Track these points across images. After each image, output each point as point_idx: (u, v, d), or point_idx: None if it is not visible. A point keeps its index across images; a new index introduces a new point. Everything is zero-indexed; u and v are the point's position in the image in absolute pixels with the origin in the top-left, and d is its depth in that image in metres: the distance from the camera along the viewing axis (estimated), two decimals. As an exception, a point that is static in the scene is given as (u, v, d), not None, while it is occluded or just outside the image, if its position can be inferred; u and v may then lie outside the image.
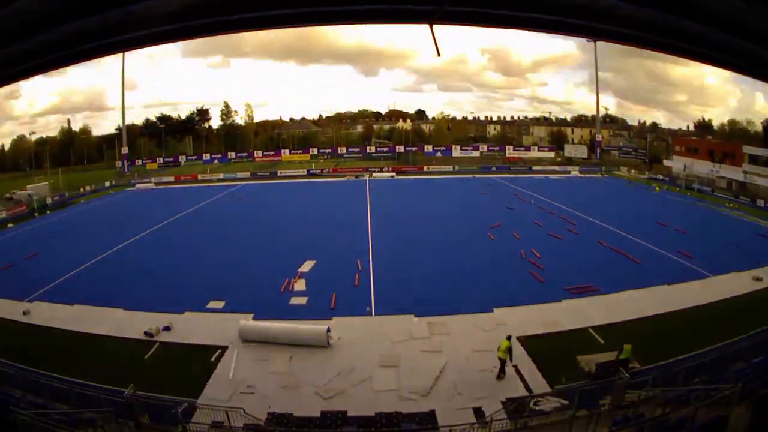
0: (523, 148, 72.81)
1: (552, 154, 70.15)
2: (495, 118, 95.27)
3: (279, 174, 61.88)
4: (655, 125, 78.94)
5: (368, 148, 74.59)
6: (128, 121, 72.08)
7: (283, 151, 71.93)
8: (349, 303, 18.00)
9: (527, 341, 14.53)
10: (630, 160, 64.94)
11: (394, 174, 60.22)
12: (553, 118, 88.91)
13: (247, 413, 10.08)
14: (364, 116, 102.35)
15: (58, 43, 7.04)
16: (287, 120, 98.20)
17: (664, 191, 46.32)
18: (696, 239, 26.28)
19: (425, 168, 63.74)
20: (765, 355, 11.22)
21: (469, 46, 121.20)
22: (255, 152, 71.49)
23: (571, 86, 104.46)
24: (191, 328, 16.16)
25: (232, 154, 70.68)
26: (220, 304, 18.13)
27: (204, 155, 70.08)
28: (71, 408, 9.86)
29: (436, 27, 7.44)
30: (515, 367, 12.98)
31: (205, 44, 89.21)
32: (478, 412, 11.14)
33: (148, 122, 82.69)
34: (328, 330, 14.78)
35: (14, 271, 23.23)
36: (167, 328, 15.92)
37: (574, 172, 61.03)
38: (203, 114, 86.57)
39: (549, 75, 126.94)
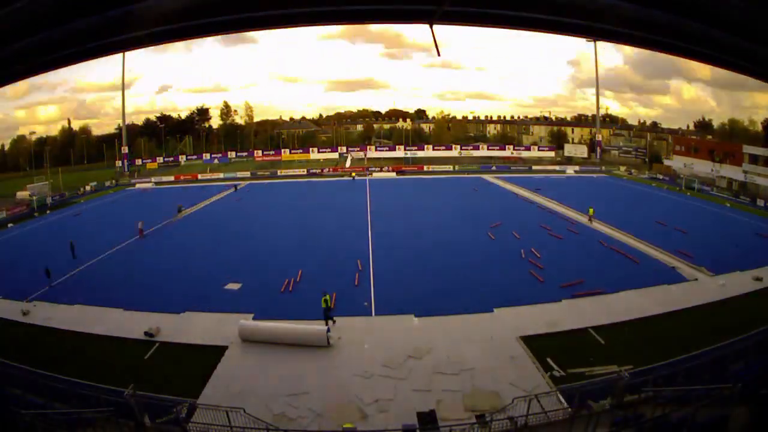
0: (523, 148, 72.81)
1: (552, 154, 70.14)
2: (495, 118, 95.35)
3: (279, 173, 61.93)
4: (655, 125, 79.07)
5: (368, 147, 74.57)
6: (128, 120, 72.09)
7: (283, 150, 71.98)
8: (349, 303, 18.00)
9: (527, 341, 14.54)
10: (630, 160, 64.96)
11: (394, 173, 60.24)
12: (553, 118, 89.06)
13: (248, 413, 10.07)
14: (364, 116, 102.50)
15: (59, 43, 7.03)
16: (287, 119, 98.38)
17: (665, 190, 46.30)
18: (696, 239, 26.28)
19: (425, 167, 63.76)
20: (765, 355, 11.23)
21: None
22: (255, 152, 71.53)
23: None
24: (191, 328, 16.18)
25: (232, 154, 70.70)
26: (220, 304, 18.16)
27: (204, 155, 70.06)
28: (71, 408, 9.85)
29: (436, 27, 7.43)
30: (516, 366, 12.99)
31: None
32: (478, 411, 11.13)
33: (148, 122, 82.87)
34: (328, 330, 14.79)
35: (14, 270, 23.21)
36: (166, 329, 15.88)
37: (574, 171, 61.03)
38: (203, 113, 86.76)
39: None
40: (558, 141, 77.30)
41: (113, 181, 58.61)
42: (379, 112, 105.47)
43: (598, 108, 71.18)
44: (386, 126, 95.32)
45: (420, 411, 11.08)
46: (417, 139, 79.64)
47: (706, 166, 50.18)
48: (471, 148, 71.83)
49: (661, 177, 54.25)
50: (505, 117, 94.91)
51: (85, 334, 15.86)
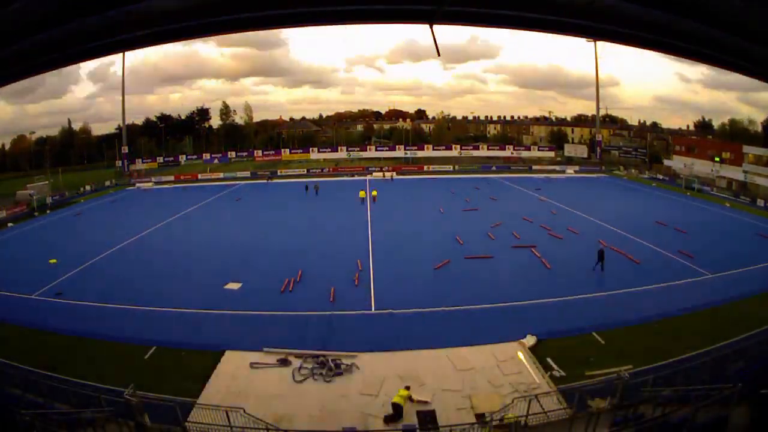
0: (523, 148, 72.77)
1: (552, 154, 70.08)
2: (495, 118, 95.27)
3: (279, 173, 61.91)
4: (655, 125, 78.99)
5: (368, 147, 74.46)
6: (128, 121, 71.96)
7: (283, 150, 71.94)
8: (350, 303, 18.01)
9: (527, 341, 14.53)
10: (630, 160, 64.91)
11: (394, 173, 60.17)
12: (553, 118, 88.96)
13: (248, 413, 10.07)
14: (364, 116, 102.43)
15: (59, 42, 7.04)
16: (287, 119, 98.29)
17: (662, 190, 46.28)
18: (696, 239, 26.28)
19: (425, 167, 63.77)
20: (765, 354, 11.23)
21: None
22: (255, 151, 71.49)
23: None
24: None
25: (232, 154, 70.63)
26: (221, 301, 18.16)
27: (204, 155, 69.98)
28: (71, 408, 9.85)
29: (436, 27, 7.45)
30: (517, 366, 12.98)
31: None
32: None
33: (148, 122, 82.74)
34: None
35: (14, 270, 23.20)
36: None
37: (574, 171, 60.98)
38: (203, 113, 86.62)
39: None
40: (558, 141, 77.21)
41: (113, 181, 58.58)
42: (379, 113, 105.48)
43: (598, 108, 71.16)
44: (386, 126, 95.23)
45: (420, 411, 11.08)
46: (417, 139, 79.53)
47: (706, 166, 50.17)
48: (471, 148, 71.69)
49: (661, 177, 54.21)
50: (505, 117, 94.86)
51: (85, 333, 15.85)
